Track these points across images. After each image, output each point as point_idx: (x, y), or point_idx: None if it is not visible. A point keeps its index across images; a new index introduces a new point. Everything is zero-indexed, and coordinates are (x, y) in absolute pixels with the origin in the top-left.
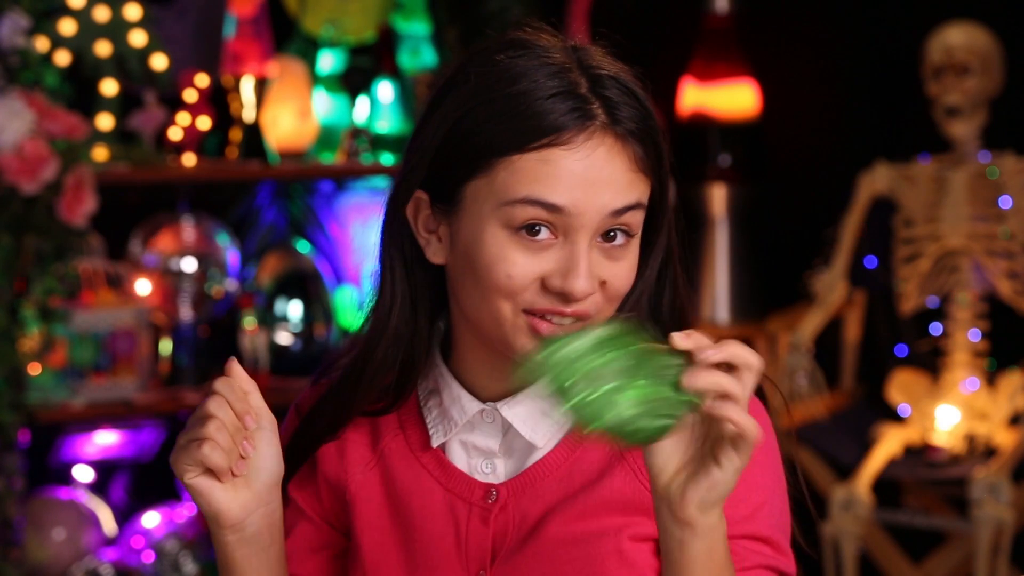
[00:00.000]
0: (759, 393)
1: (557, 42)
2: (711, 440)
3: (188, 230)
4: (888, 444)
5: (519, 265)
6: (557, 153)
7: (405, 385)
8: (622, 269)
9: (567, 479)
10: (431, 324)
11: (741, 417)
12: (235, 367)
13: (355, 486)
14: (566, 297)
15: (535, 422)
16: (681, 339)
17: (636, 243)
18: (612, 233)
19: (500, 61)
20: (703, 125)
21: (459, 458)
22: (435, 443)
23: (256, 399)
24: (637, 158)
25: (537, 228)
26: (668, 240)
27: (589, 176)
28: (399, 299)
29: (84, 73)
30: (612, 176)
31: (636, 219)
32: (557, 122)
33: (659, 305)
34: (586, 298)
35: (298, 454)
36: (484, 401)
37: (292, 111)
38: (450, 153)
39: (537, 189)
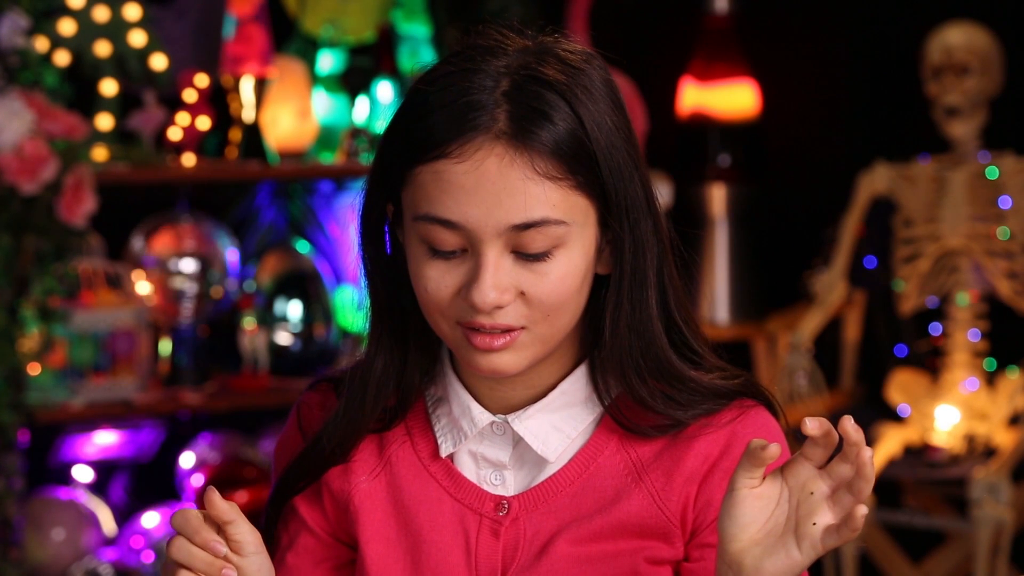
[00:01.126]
0: (769, 405)
1: (516, 43)
2: (796, 520)
3: (188, 230)
4: (888, 444)
5: (433, 280)
6: (446, 165)
7: (405, 407)
8: (546, 280)
9: (580, 496)
10: (430, 337)
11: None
12: (213, 497)
13: (360, 495)
14: (475, 309)
15: (547, 436)
16: (813, 427)
17: (568, 255)
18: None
19: (429, 71)
20: (703, 125)
21: (468, 468)
22: (444, 453)
23: (238, 528)
24: (546, 169)
25: (450, 250)
26: (655, 245)
27: (480, 188)
28: (385, 326)
29: (84, 73)
30: (506, 188)
31: (553, 232)
32: (442, 134)
33: (658, 312)
34: (494, 310)
35: (306, 474)
36: (492, 409)
37: (292, 111)
38: (385, 167)
39: (431, 206)
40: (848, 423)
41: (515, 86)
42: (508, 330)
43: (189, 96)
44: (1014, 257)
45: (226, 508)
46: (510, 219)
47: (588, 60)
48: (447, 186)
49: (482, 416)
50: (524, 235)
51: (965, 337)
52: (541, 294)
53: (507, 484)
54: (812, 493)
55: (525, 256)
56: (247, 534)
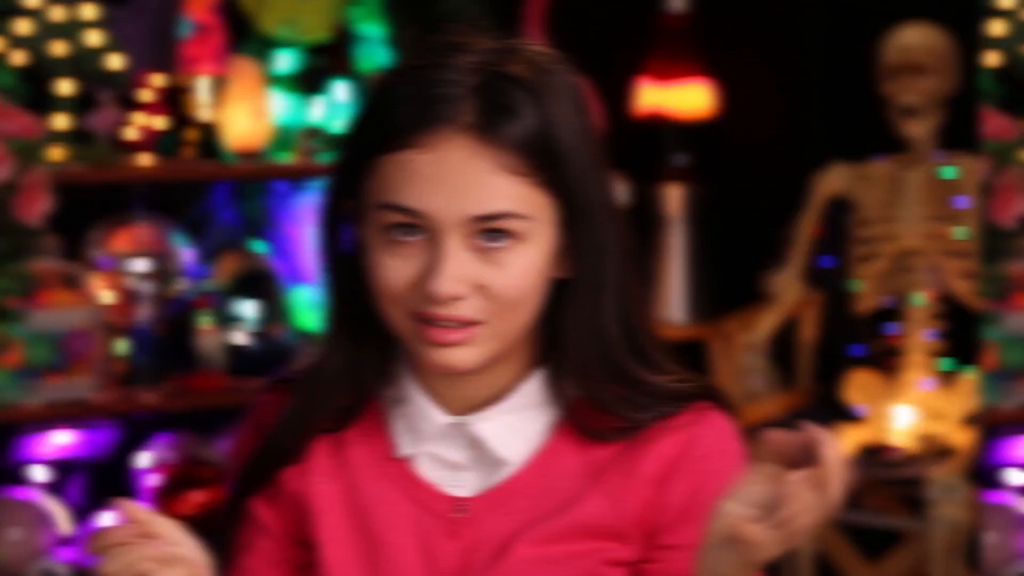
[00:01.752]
0: (726, 407)
1: (484, 42)
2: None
3: (144, 230)
4: (844, 444)
5: (391, 269)
6: (411, 155)
7: (359, 406)
8: (506, 274)
9: (540, 498)
10: (387, 338)
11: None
12: (125, 505)
13: (317, 497)
14: (432, 299)
15: (505, 437)
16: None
17: (528, 251)
18: (496, 233)
19: (398, 65)
20: (659, 125)
21: (426, 469)
22: (401, 454)
23: (157, 521)
24: (511, 164)
25: (406, 227)
26: (615, 252)
27: (444, 179)
28: (340, 324)
29: (40, 73)
30: (470, 179)
31: (517, 226)
32: (409, 124)
33: (612, 316)
34: (451, 301)
35: (261, 474)
36: (450, 410)
37: (248, 111)
38: (350, 158)
39: (392, 193)
40: (815, 438)
41: (483, 82)
42: (465, 324)
43: (145, 96)
44: (970, 257)
45: (140, 508)
46: (472, 210)
47: (555, 63)
48: (411, 175)
49: (440, 417)
50: (485, 227)
51: (921, 337)
52: (500, 288)
53: (465, 486)
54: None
55: (485, 249)
56: (165, 524)
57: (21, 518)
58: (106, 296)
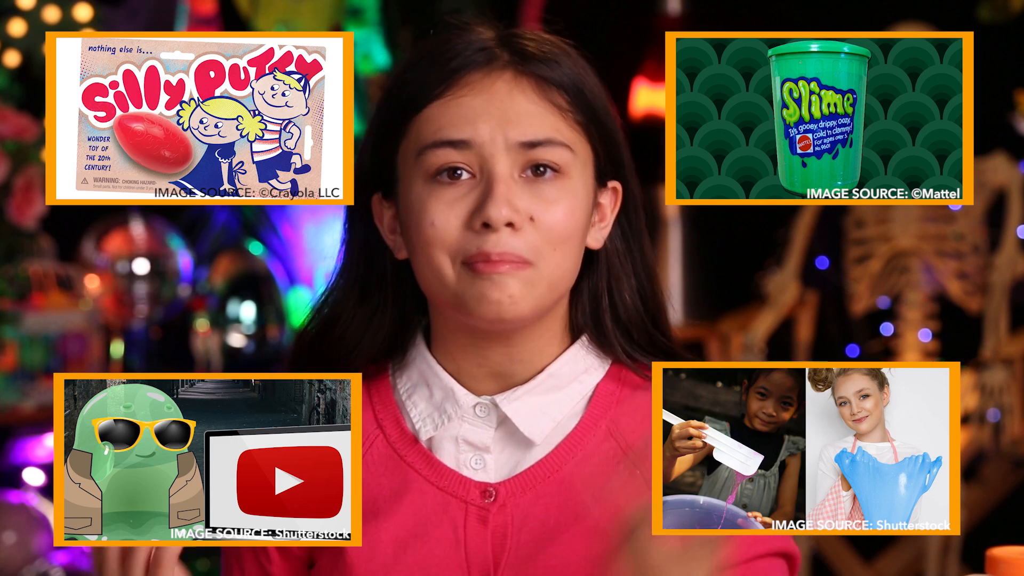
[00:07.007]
0: None
1: (490, 29)
2: None
3: (140, 232)
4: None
5: (441, 212)
6: (459, 95)
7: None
8: (555, 208)
9: (568, 483)
10: (404, 327)
11: None
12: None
13: None
14: (489, 228)
15: (534, 418)
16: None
17: (573, 187)
18: (540, 169)
19: (412, 51)
20: (656, 126)
21: (447, 454)
22: (424, 437)
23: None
24: (550, 96)
25: (456, 172)
26: (640, 230)
27: (491, 109)
28: (352, 308)
29: (34, 74)
30: (515, 108)
31: (560, 157)
32: (456, 66)
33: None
34: (506, 231)
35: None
36: (477, 393)
37: None
38: (382, 137)
39: (442, 131)
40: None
41: (506, 42)
42: (518, 264)
43: None
44: (964, 257)
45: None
46: (519, 136)
47: (569, 46)
48: (457, 110)
49: (467, 397)
50: (532, 154)
51: (916, 337)
52: (550, 221)
53: (488, 469)
54: None
55: (532, 181)
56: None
57: (16, 521)
58: (101, 298)
